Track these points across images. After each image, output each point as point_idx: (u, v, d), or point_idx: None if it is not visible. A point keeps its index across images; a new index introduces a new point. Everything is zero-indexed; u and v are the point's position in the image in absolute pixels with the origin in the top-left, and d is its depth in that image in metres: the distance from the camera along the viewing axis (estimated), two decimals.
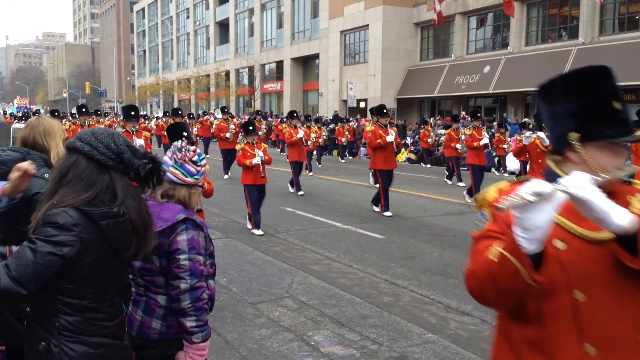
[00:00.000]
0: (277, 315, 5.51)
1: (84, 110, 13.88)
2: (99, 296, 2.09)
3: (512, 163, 18.82)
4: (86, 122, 13.14)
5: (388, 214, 10.55)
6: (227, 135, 16.43)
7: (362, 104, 33.52)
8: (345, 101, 33.39)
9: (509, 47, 27.48)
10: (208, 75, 53.20)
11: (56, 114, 14.69)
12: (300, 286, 6.41)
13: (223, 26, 52.86)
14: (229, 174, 16.11)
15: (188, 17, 60.00)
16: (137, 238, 2.15)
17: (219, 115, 23.58)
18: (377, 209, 10.90)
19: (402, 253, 8.03)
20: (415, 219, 10.45)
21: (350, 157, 24.54)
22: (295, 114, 15.02)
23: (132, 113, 9.85)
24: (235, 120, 18.66)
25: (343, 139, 23.13)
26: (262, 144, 9.33)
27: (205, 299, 2.60)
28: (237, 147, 9.25)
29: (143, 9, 73.16)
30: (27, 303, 2.15)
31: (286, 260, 7.55)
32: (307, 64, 42.15)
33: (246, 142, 9.08)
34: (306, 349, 4.75)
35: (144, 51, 73.93)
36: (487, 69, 27.83)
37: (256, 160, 8.88)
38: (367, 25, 33.13)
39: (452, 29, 30.77)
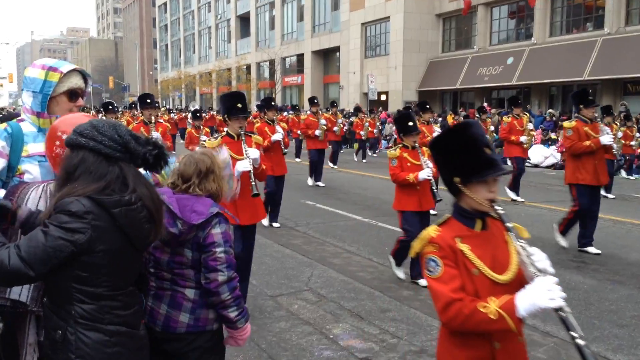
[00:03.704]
0: (297, 308, 5.51)
1: (110, 107, 13.07)
2: (114, 284, 2.11)
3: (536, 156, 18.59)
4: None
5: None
6: (317, 132, 13.36)
7: (383, 97, 33.36)
8: (366, 94, 33.25)
9: (532, 38, 27.09)
10: (229, 69, 53.42)
11: (110, 107, 13.11)
12: (320, 279, 6.41)
13: (244, 20, 52.98)
14: (320, 182, 13.50)
15: (209, 11, 60.25)
16: (152, 224, 2.17)
17: (193, 109, 23.05)
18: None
19: None
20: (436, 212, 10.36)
21: (374, 155, 22.13)
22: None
23: (148, 100, 9.07)
24: (327, 114, 15.50)
25: (362, 132, 19.69)
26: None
27: (238, 287, 2.65)
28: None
29: (165, 4, 73.62)
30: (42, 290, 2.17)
31: (306, 253, 7.55)
32: (327, 56, 42.05)
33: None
34: (325, 342, 4.74)
35: (166, 45, 74.45)
36: (510, 60, 27.48)
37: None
38: (388, 17, 32.90)
39: (475, 20, 30.42)
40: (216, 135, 5.20)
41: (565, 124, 7.71)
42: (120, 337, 2.12)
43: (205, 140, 11.02)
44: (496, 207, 2.23)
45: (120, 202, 2.06)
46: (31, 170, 2.63)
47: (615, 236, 8.61)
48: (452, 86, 30.83)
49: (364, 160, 19.84)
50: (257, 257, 7.32)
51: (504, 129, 11.27)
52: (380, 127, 24.26)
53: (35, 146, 2.67)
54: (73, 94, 2.74)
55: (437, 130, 10.42)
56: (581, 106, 7.53)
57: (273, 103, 9.62)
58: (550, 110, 24.26)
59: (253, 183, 5.09)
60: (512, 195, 11.40)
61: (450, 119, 21.71)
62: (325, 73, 42.31)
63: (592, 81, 24.37)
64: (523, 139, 11.08)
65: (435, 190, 6.11)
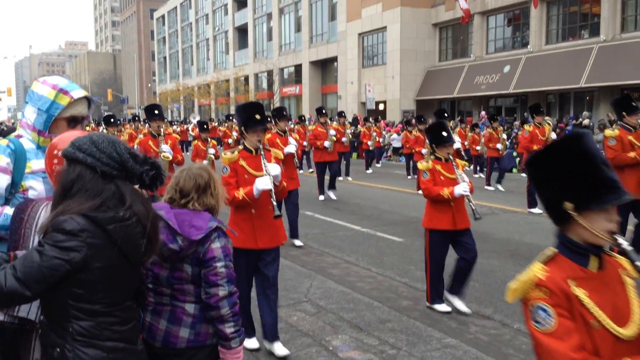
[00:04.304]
0: (296, 320, 5.51)
1: (112, 120, 12.75)
2: (110, 301, 2.11)
3: None
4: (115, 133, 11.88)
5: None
6: (327, 144, 12.75)
7: (381, 106, 33.45)
8: (364, 103, 33.35)
9: (529, 46, 27.19)
10: (227, 80, 53.56)
11: (112, 120, 12.84)
12: (319, 290, 6.40)
13: (242, 31, 53.20)
14: (332, 194, 12.99)
15: (207, 23, 60.52)
16: (148, 241, 2.17)
17: (195, 121, 22.41)
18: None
19: (421, 256, 7.90)
20: None
21: (377, 165, 21.82)
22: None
23: (156, 112, 8.47)
24: (335, 124, 14.61)
25: (370, 142, 19.12)
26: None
27: (238, 304, 2.64)
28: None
29: (163, 16, 73.95)
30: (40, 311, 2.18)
31: (304, 264, 7.55)
32: (325, 67, 42.19)
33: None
34: (324, 353, 4.73)
35: (165, 58, 74.71)
36: (507, 68, 27.57)
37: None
38: (385, 27, 33.06)
39: (471, 29, 30.55)
40: (233, 149, 4.78)
41: (608, 132, 7.18)
42: (118, 353, 2.12)
43: (212, 154, 10.81)
44: (620, 241, 1.83)
45: (115, 218, 2.06)
46: (35, 187, 2.64)
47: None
48: (450, 95, 30.91)
49: (367, 171, 19.26)
50: None
51: (526, 139, 10.79)
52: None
53: (38, 162, 2.67)
54: (73, 120, 2.74)
55: (455, 140, 9.78)
56: (624, 113, 7.01)
57: (285, 113, 9.24)
58: (548, 117, 24.30)
59: (274, 203, 4.54)
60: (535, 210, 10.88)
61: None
62: (323, 83, 42.44)
63: (588, 88, 24.45)
64: (499, 146, 10.98)
65: (474, 208, 5.48)
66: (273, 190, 4.46)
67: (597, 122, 19.84)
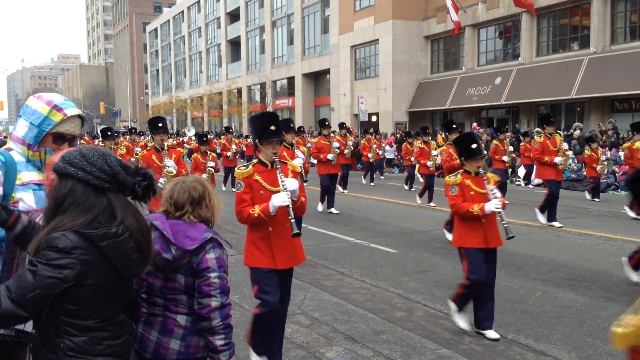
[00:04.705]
0: (290, 332, 5.48)
1: (109, 133, 12.48)
2: (103, 316, 2.10)
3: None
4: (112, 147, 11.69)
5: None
6: (330, 156, 12.52)
7: (374, 118, 33.58)
8: (356, 115, 33.46)
9: (520, 58, 27.42)
10: (220, 93, 53.67)
11: (109, 133, 12.68)
12: (313, 302, 6.39)
13: (234, 44, 53.39)
14: (334, 208, 12.79)
15: (200, 36, 60.70)
16: (140, 255, 2.17)
17: (190, 133, 21.97)
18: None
19: (415, 267, 7.98)
20: (427, 232, 10.39)
21: (382, 177, 21.75)
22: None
23: (160, 124, 7.93)
24: (337, 136, 14.45)
25: (370, 155, 18.87)
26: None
27: (231, 316, 2.63)
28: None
29: (156, 29, 74.13)
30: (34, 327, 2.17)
31: (298, 276, 7.52)
32: (318, 79, 42.37)
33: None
34: None
35: (157, 70, 74.80)
36: (498, 80, 27.78)
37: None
38: (377, 39, 33.27)
39: (462, 41, 30.79)
40: (246, 163, 4.47)
41: (638, 144, 6.77)
42: None
43: (212, 167, 10.54)
44: None
45: (107, 235, 2.05)
46: (25, 199, 2.64)
47: (607, 253, 8.65)
48: (442, 106, 31.08)
49: (372, 184, 19.05)
50: (249, 281, 7.27)
51: (537, 150, 10.68)
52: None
53: (28, 174, 2.67)
54: (59, 138, 2.72)
55: (565, 145, 9.57)
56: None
57: (292, 125, 9.00)
58: (538, 129, 24.44)
59: (293, 220, 4.20)
60: (541, 219, 10.88)
61: (440, 139, 21.81)
62: (316, 95, 42.59)
63: (579, 99, 24.66)
64: (557, 160, 10.34)
65: (506, 225, 5.13)
66: (291, 206, 4.16)
67: (588, 133, 19.97)
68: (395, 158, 25.68)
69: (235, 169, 4.50)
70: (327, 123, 13.26)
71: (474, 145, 5.25)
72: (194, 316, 2.62)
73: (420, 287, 6.96)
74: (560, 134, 10.94)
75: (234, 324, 5.62)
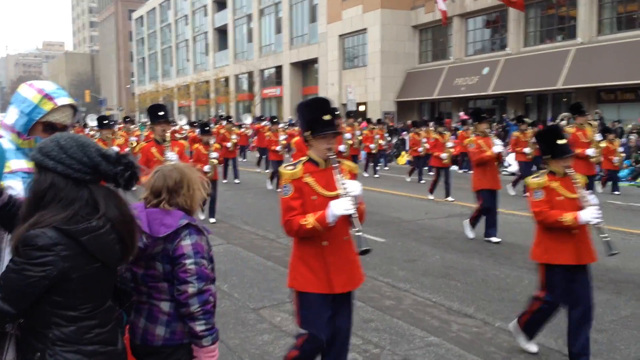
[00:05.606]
0: (279, 320, 5.50)
1: (105, 123, 11.93)
2: (91, 305, 2.11)
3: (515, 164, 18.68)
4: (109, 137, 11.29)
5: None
6: (342, 148, 12.21)
7: (362, 107, 33.58)
8: (345, 105, 33.43)
9: (507, 49, 27.52)
10: (207, 82, 53.30)
11: (105, 122, 12.11)
12: None
13: (222, 32, 53.00)
14: None
15: (187, 24, 60.15)
16: (123, 246, 2.16)
17: (182, 122, 21.94)
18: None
19: (404, 256, 8.03)
20: (416, 222, 10.45)
21: (386, 168, 21.31)
22: (337, 112, 12.99)
23: (161, 113, 7.43)
24: (348, 126, 14.07)
25: (372, 146, 18.10)
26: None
27: (212, 302, 2.63)
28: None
29: (142, 17, 73.35)
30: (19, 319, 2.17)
31: (288, 265, 7.54)
32: (306, 68, 42.23)
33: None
34: None
35: (143, 58, 74.09)
36: (486, 70, 27.86)
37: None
38: (366, 29, 33.20)
39: (450, 31, 30.82)
40: (294, 162, 3.61)
41: None
42: (99, 356, 2.12)
43: (215, 158, 10.21)
44: None
45: (88, 229, 2.02)
46: (14, 187, 2.62)
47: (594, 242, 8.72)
48: (430, 96, 31.15)
49: (375, 176, 18.38)
50: (238, 270, 7.29)
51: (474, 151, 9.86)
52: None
53: (17, 162, 2.65)
54: (50, 127, 2.66)
55: (497, 143, 8.56)
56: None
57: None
58: (526, 119, 24.58)
59: (359, 233, 3.30)
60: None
61: (430, 131, 21.73)
62: (304, 85, 42.45)
63: (566, 90, 24.82)
64: (590, 152, 9.47)
65: (608, 239, 4.30)
66: (356, 215, 3.33)
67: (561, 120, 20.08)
68: (388, 150, 25.38)
69: (280, 168, 3.68)
70: (337, 112, 12.99)
71: (562, 142, 4.37)
72: (176, 302, 2.64)
73: (409, 276, 7.01)
74: (592, 125, 10.00)
75: (223, 313, 5.66)
